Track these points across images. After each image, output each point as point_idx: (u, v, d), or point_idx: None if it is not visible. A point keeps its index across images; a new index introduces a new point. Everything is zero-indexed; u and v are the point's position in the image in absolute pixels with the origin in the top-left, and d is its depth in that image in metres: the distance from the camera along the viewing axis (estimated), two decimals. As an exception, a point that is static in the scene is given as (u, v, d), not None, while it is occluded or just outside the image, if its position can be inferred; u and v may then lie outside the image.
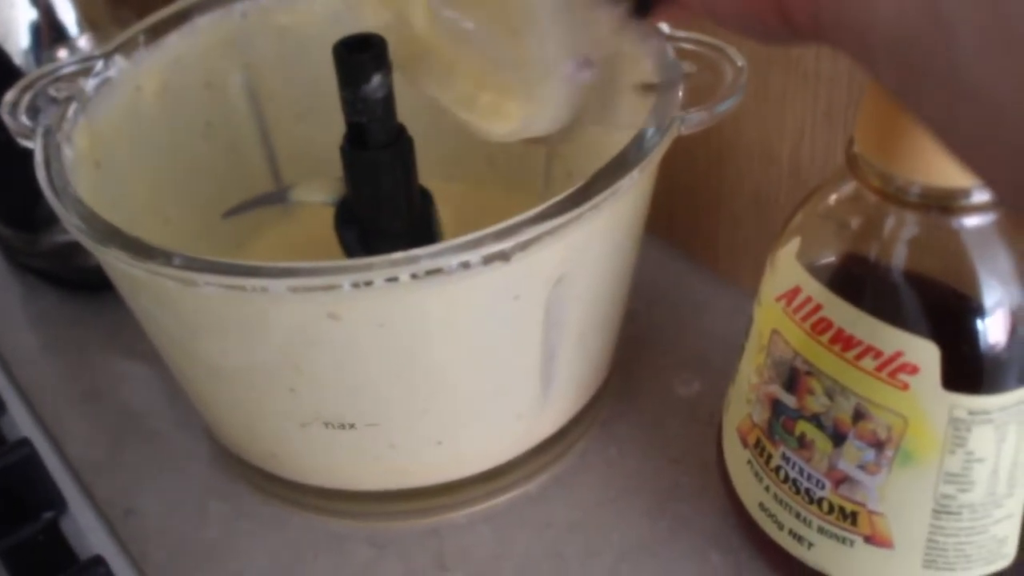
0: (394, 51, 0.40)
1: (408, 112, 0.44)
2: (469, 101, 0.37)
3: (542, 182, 0.54)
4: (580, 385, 0.45)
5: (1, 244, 0.62)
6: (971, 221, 0.31)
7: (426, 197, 0.47)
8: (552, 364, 0.41)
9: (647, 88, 0.40)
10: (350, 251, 0.46)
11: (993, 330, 0.32)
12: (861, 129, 0.32)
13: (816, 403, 0.35)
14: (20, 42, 0.54)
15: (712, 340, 0.52)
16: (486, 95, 0.37)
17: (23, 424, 0.51)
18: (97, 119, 0.46)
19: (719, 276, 0.55)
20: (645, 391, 0.49)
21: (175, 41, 0.49)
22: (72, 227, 0.38)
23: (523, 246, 0.35)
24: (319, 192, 0.48)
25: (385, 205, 0.45)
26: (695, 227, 0.55)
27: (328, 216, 0.47)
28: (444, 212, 0.47)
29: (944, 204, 0.31)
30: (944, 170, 0.30)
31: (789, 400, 0.36)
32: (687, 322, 0.53)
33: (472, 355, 0.39)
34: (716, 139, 0.51)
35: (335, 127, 0.44)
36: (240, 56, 0.52)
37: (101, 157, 0.45)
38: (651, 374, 0.50)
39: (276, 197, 0.51)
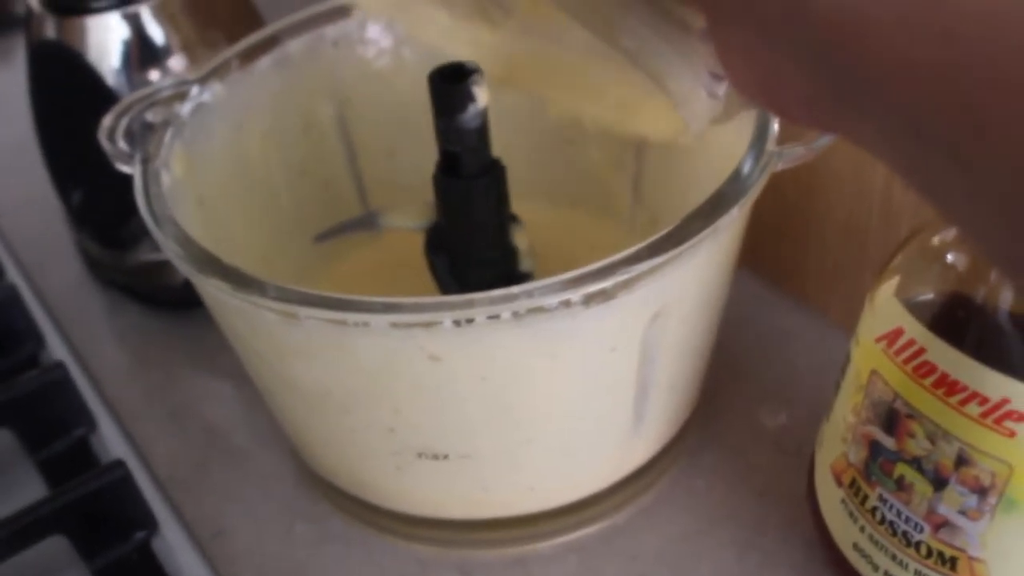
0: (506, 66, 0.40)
1: (497, 131, 0.44)
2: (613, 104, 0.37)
3: (629, 208, 0.54)
4: (670, 419, 0.45)
5: (88, 259, 0.63)
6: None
7: (518, 224, 0.47)
8: (645, 400, 0.41)
9: None
10: (440, 277, 0.47)
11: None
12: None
13: (917, 446, 0.34)
14: (113, 63, 0.55)
15: (798, 371, 0.51)
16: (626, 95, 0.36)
17: (113, 442, 0.51)
18: (197, 153, 0.46)
19: (806, 306, 0.54)
20: (731, 422, 0.49)
21: (267, 67, 0.50)
22: (172, 254, 0.39)
23: (623, 285, 0.35)
24: (409, 218, 0.48)
25: (477, 233, 0.45)
26: (783, 257, 0.54)
27: (413, 239, 0.47)
28: (532, 237, 0.47)
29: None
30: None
31: (888, 442, 0.36)
32: (773, 353, 0.53)
33: (569, 394, 0.39)
34: (806, 170, 0.50)
35: (423, 153, 0.44)
36: (332, 85, 0.53)
37: (203, 192, 0.46)
38: (737, 405, 0.50)
39: (367, 222, 0.51)
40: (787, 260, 0.54)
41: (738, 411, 0.50)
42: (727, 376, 0.51)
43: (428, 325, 0.34)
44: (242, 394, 0.54)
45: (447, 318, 0.34)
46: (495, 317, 0.34)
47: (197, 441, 0.52)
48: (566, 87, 0.38)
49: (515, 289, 0.34)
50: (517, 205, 0.46)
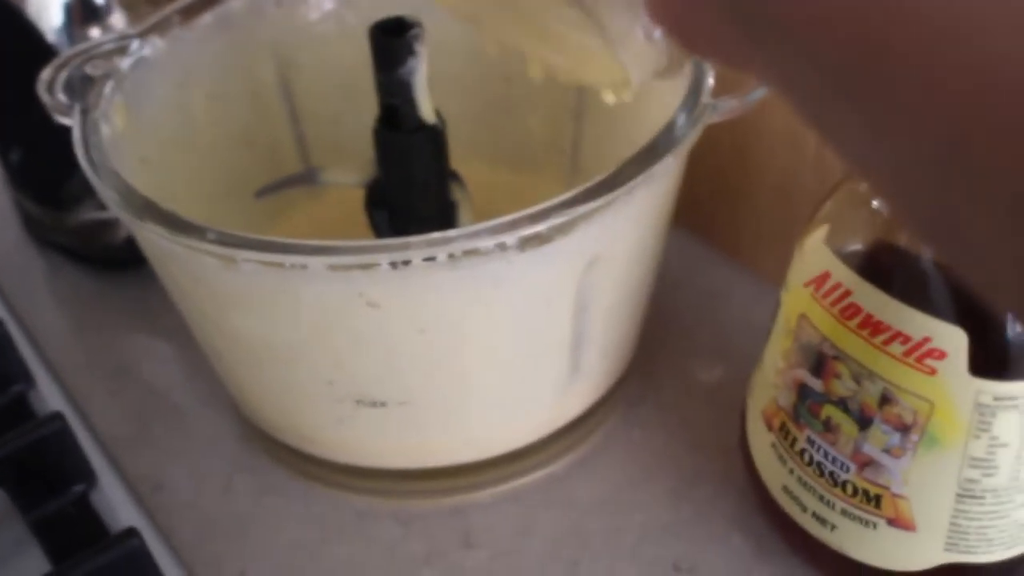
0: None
1: (439, 90, 0.44)
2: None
3: (568, 171, 0.54)
4: (606, 368, 0.46)
5: (27, 221, 0.63)
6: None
7: (458, 180, 0.47)
8: (580, 347, 0.42)
9: None
10: (380, 232, 0.47)
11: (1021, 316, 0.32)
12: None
13: (843, 387, 0.35)
14: (53, 20, 0.55)
15: (734, 327, 0.52)
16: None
17: (52, 399, 0.51)
18: (139, 109, 0.46)
19: (741, 265, 0.55)
20: (668, 376, 0.50)
21: (209, 24, 0.50)
22: (111, 201, 0.39)
23: (558, 229, 0.35)
24: (349, 174, 0.49)
25: (416, 187, 0.46)
26: (718, 216, 0.55)
27: (355, 197, 0.47)
28: (475, 194, 0.48)
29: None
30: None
31: (815, 384, 0.37)
32: (708, 310, 0.53)
33: (505, 342, 0.40)
34: (741, 128, 0.51)
35: (367, 118, 0.44)
36: (274, 46, 0.53)
37: (146, 151, 0.46)
38: (674, 360, 0.51)
39: (307, 178, 0.51)
40: (722, 220, 0.55)
41: (674, 366, 0.51)
42: (664, 333, 0.52)
43: (366, 267, 0.35)
44: (184, 354, 0.54)
45: (384, 259, 0.34)
46: (431, 259, 0.34)
47: (138, 399, 0.52)
48: (527, 32, 0.38)
49: (452, 232, 0.35)
50: (458, 167, 0.47)
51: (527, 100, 0.54)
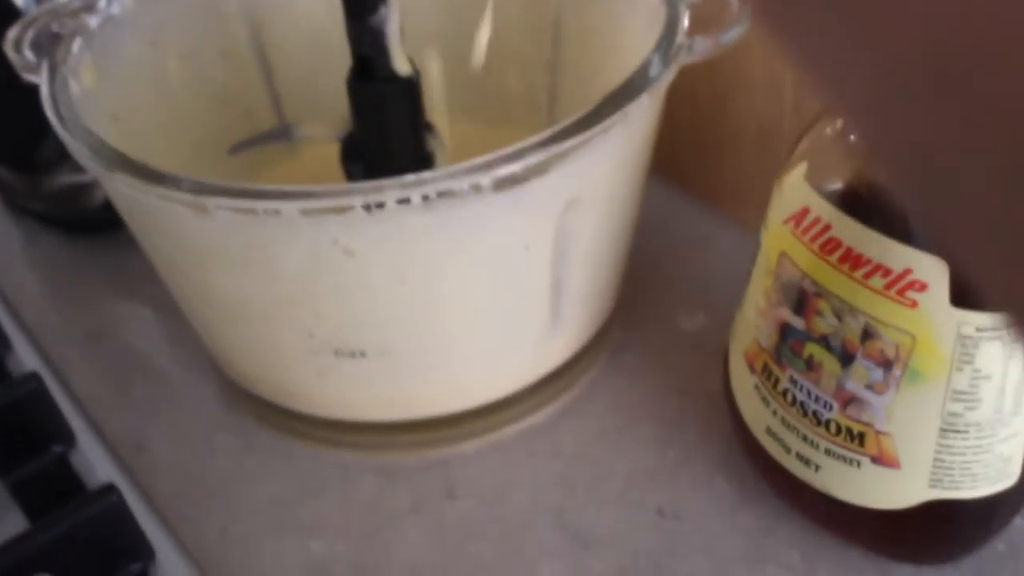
0: None
1: (415, 47, 0.44)
2: None
3: (545, 122, 0.54)
4: (587, 316, 0.45)
5: (1, 189, 0.62)
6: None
7: (432, 132, 0.47)
8: (560, 294, 0.42)
9: None
10: (357, 185, 0.47)
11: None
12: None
13: (824, 324, 0.35)
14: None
15: (716, 275, 0.52)
16: None
17: (29, 361, 0.51)
18: (109, 67, 0.46)
19: (722, 213, 0.55)
20: (651, 324, 0.50)
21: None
22: (79, 154, 0.38)
23: (533, 169, 0.35)
24: (325, 128, 0.48)
25: (391, 139, 0.45)
26: (698, 164, 0.55)
27: (332, 154, 0.47)
28: (450, 149, 0.47)
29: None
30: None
31: (797, 322, 0.36)
32: (691, 258, 0.53)
33: (482, 284, 0.40)
34: (719, 76, 0.51)
35: (342, 78, 0.44)
36: (246, 5, 0.52)
37: (117, 109, 0.45)
38: (656, 308, 0.51)
39: (282, 133, 0.51)
40: (703, 168, 0.55)
41: (657, 314, 0.50)
42: (646, 281, 0.52)
43: (339, 211, 0.34)
44: (163, 317, 0.53)
45: (358, 202, 0.34)
46: (405, 201, 0.34)
47: (117, 362, 0.52)
48: None
49: (426, 174, 0.34)
50: (437, 122, 0.46)
51: (503, 55, 0.54)
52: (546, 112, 0.54)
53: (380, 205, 0.34)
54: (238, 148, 0.49)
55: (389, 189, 0.34)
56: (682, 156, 0.55)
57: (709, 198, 0.55)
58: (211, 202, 0.35)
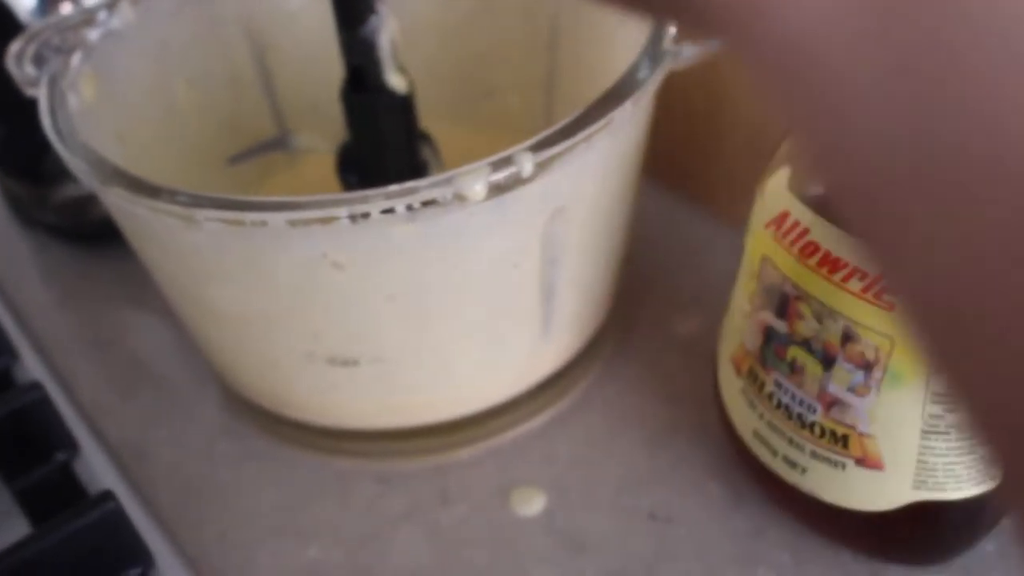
0: None
1: (410, 54, 0.44)
2: None
3: (543, 125, 0.54)
4: (580, 323, 0.46)
5: (12, 200, 0.63)
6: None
7: (428, 141, 0.47)
8: (552, 301, 0.42)
9: None
10: (352, 195, 0.47)
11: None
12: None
13: (806, 327, 0.35)
14: (26, 1, 0.55)
15: (710, 280, 0.52)
16: None
17: (35, 370, 0.52)
18: (112, 84, 0.46)
19: (717, 217, 0.55)
20: (645, 330, 0.50)
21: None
22: (75, 168, 0.39)
23: (519, 178, 0.35)
24: (322, 139, 0.49)
25: (386, 148, 0.46)
26: (693, 169, 0.55)
27: (330, 167, 0.47)
28: (446, 156, 0.48)
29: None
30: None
31: (780, 326, 0.37)
32: (685, 262, 0.53)
33: (471, 293, 0.40)
34: (713, 80, 0.51)
35: (339, 78, 0.44)
36: (249, 26, 0.53)
37: (123, 128, 0.46)
38: (650, 313, 0.51)
39: (279, 143, 0.51)
40: (697, 173, 0.55)
41: (651, 320, 0.51)
42: (640, 287, 0.52)
43: (326, 222, 0.35)
44: (167, 325, 0.54)
45: (343, 212, 0.34)
46: (390, 211, 0.34)
47: (121, 369, 0.53)
48: None
49: (409, 183, 0.35)
50: (429, 125, 0.47)
51: (500, 76, 0.54)
52: (543, 121, 0.54)
53: (365, 215, 0.34)
54: (237, 158, 0.50)
55: (374, 199, 0.34)
56: (676, 160, 0.56)
57: (704, 201, 0.56)
58: (200, 214, 0.35)
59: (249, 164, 0.52)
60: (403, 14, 0.51)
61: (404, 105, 0.45)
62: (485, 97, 0.55)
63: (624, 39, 0.46)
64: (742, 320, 0.39)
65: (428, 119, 0.48)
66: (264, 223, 0.35)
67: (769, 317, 0.37)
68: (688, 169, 0.56)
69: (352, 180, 0.47)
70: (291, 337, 0.41)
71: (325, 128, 0.48)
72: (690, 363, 0.48)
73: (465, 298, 0.40)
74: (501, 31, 0.53)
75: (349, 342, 0.40)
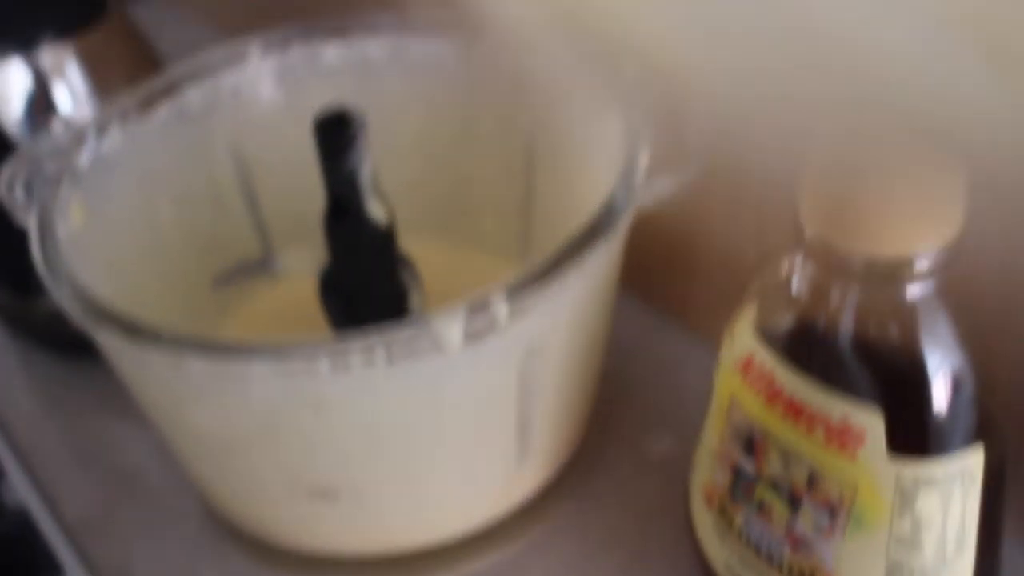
0: None
1: (393, 174, 0.46)
2: None
3: (520, 243, 0.55)
4: (555, 450, 0.47)
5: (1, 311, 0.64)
6: (913, 288, 0.33)
7: (408, 266, 0.48)
8: (527, 432, 0.43)
9: None
10: (334, 319, 0.48)
11: (935, 395, 0.33)
12: (805, 199, 0.34)
13: (772, 469, 0.36)
14: (13, 112, 0.56)
15: (686, 398, 0.53)
16: None
17: (20, 486, 0.52)
18: (101, 211, 0.47)
19: (692, 331, 0.56)
20: (621, 449, 0.51)
21: (166, 118, 0.51)
22: (65, 305, 0.40)
23: (492, 324, 0.36)
24: (305, 261, 0.50)
25: (367, 275, 0.47)
26: (670, 286, 0.56)
27: (314, 284, 0.48)
28: (427, 274, 0.49)
29: (887, 273, 0.32)
30: (886, 240, 0.32)
31: (748, 465, 0.37)
32: (661, 380, 0.54)
33: (449, 434, 0.41)
34: (687, 199, 0.52)
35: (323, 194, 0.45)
36: (235, 144, 0.54)
37: (112, 256, 0.47)
38: (627, 432, 0.52)
39: (262, 266, 0.52)
40: (674, 289, 0.56)
41: (627, 439, 0.51)
42: (616, 404, 0.53)
43: (307, 372, 0.36)
44: (152, 439, 0.55)
45: (324, 365, 0.35)
46: (370, 361, 0.35)
47: (105, 485, 0.53)
48: None
49: (389, 332, 0.36)
50: (409, 241, 0.48)
51: (479, 197, 0.56)
52: (520, 241, 0.55)
53: (345, 365, 0.35)
54: (220, 282, 0.51)
55: (353, 347, 0.35)
56: (653, 275, 0.57)
57: (679, 315, 0.57)
58: (183, 359, 0.36)
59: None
60: (387, 135, 0.52)
61: (385, 234, 0.46)
62: (464, 216, 0.56)
63: (598, 163, 0.47)
64: (712, 455, 0.40)
65: (409, 235, 0.49)
66: (244, 373, 0.36)
67: (738, 456, 0.38)
68: (663, 283, 0.57)
69: (333, 304, 0.48)
70: (271, 469, 0.42)
71: (311, 243, 0.49)
72: (666, 483, 0.49)
73: (442, 434, 0.41)
74: (481, 155, 0.54)
75: (328, 475, 0.41)
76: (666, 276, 0.56)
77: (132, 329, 0.37)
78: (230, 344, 0.36)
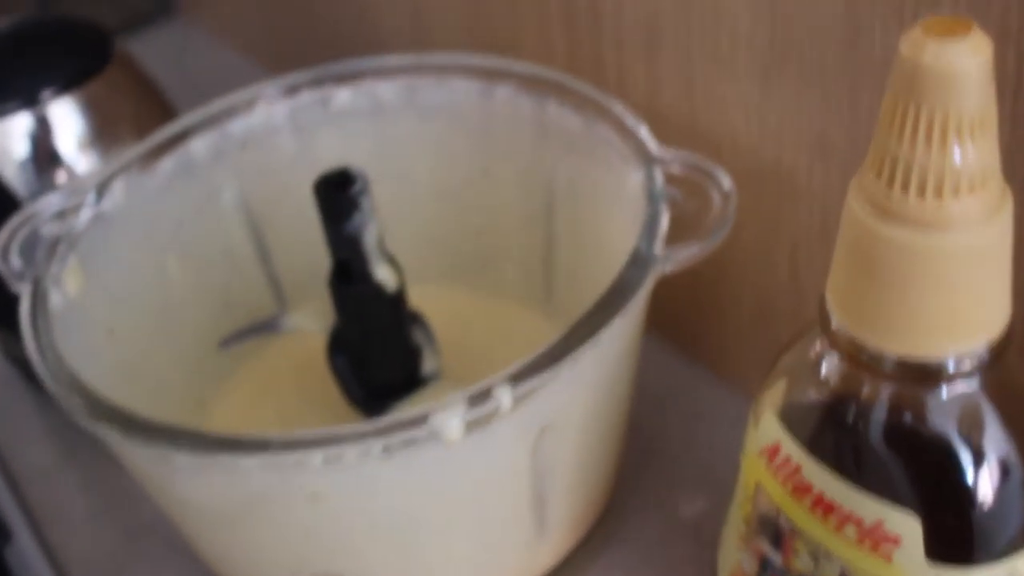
0: None
1: (409, 220, 0.43)
2: None
3: (543, 290, 0.53)
4: (576, 521, 0.44)
5: (13, 360, 0.62)
6: (948, 389, 0.30)
7: (420, 324, 0.46)
8: (544, 508, 0.41)
9: None
10: (343, 379, 0.46)
11: (979, 498, 0.31)
12: (831, 291, 0.31)
13: (801, 563, 0.34)
14: (14, 165, 0.54)
15: (718, 452, 0.50)
16: None
17: (27, 548, 0.51)
18: (102, 277, 0.46)
19: (726, 381, 0.53)
20: (648, 511, 0.48)
21: (170, 171, 0.49)
22: (54, 390, 0.38)
23: (496, 412, 0.34)
24: (313, 319, 0.48)
25: (376, 336, 0.45)
26: (702, 332, 0.54)
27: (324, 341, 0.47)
28: (439, 323, 0.47)
29: (920, 374, 0.30)
30: (918, 341, 0.29)
31: (775, 557, 0.35)
32: (692, 433, 0.51)
33: (458, 514, 0.39)
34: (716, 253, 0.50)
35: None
36: (243, 199, 0.52)
37: (114, 322, 0.46)
38: (656, 491, 0.49)
39: (271, 325, 0.50)
40: (706, 337, 0.54)
41: (656, 499, 0.49)
42: (645, 461, 0.50)
43: (299, 464, 0.34)
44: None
45: (317, 456, 0.33)
46: (365, 452, 0.33)
47: (113, 544, 0.52)
48: None
49: (383, 422, 0.33)
50: (428, 291, 0.46)
51: (498, 245, 0.53)
52: (541, 290, 0.53)
53: (339, 458, 0.33)
54: (228, 342, 0.49)
55: (347, 441, 0.33)
56: (685, 322, 0.54)
57: (713, 366, 0.54)
58: (174, 455, 0.34)
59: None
60: (403, 181, 0.50)
61: (391, 299, 0.44)
62: (485, 264, 0.54)
63: (622, 209, 0.45)
64: (738, 540, 0.37)
65: (428, 284, 0.47)
66: (235, 466, 0.34)
67: (765, 546, 0.35)
68: (694, 330, 0.54)
69: (341, 364, 0.46)
70: (272, 552, 0.40)
71: (325, 298, 0.47)
72: (696, 547, 0.46)
73: (449, 520, 0.39)
74: (500, 201, 0.52)
75: (331, 563, 0.39)
76: (697, 324, 0.54)
77: (120, 420, 0.36)
78: (219, 438, 0.34)
